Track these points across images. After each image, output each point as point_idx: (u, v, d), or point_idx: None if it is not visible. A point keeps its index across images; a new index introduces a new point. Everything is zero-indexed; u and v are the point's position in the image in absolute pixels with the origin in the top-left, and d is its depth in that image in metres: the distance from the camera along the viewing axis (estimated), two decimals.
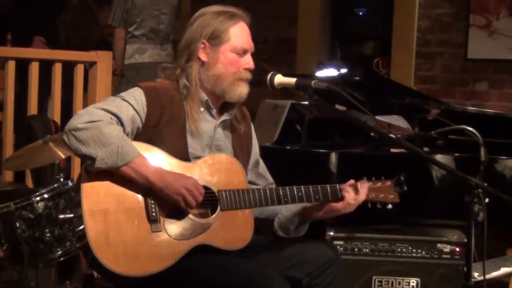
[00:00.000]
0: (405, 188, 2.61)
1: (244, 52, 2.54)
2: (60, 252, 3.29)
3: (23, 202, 3.24)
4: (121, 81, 5.40)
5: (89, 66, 4.55)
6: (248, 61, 2.54)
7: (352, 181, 2.59)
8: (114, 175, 2.34)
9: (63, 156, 3.44)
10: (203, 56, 2.52)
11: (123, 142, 2.32)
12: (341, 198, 2.55)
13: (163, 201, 2.37)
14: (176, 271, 2.34)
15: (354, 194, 2.55)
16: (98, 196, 2.33)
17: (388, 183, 2.63)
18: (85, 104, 4.54)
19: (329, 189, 2.55)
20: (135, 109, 2.43)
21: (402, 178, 2.61)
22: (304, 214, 2.62)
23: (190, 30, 2.55)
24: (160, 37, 5.41)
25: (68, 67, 4.52)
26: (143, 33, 5.36)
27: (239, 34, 2.53)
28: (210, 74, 2.52)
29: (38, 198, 3.26)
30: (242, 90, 2.53)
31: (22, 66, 4.42)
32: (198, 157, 2.49)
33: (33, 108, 4.42)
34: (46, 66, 4.48)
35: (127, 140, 2.35)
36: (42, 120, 4.36)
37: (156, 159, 2.40)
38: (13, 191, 3.63)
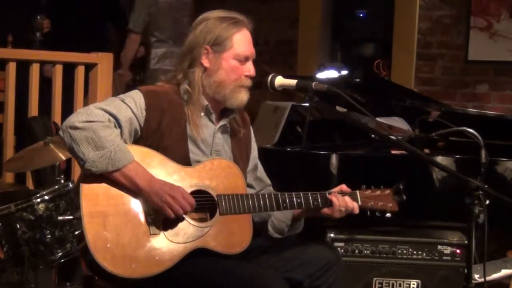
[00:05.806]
0: (404, 197, 2.60)
1: (246, 59, 2.54)
2: (60, 254, 3.30)
3: (24, 204, 3.25)
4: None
5: (90, 67, 4.55)
6: (249, 68, 2.54)
7: (343, 188, 2.59)
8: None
9: (63, 158, 3.44)
10: (205, 62, 2.52)
11: (117, 148, 2.32)
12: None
13: None
14: (174, 274, 2.34)
15: (345, 203, 2.54)
16: (97, 199, 2.33)
17: (387, 191, 2.62)
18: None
19: (328, 196, 2.55)
20: (133, 112, 2.42)
21: (401, 186, 2.60)
22: (297, 214, 2.64)
23: (193, 35, 2.54)
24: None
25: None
26: (169, 36, 5.26)
27: (242, 41, 2.53)
28: (212, 80, 2.52)
29: (38, 200, 3.26)
30: (243, 97, 2.53)
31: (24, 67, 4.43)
32: (199, 162, 2.49)
33: (33, 109, 4.42)
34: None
35: (121, 146, 2.34)
36: (42, 121, 4.36)
37: (155, 164, 2.39)
38: (13, 192, 3.63)
